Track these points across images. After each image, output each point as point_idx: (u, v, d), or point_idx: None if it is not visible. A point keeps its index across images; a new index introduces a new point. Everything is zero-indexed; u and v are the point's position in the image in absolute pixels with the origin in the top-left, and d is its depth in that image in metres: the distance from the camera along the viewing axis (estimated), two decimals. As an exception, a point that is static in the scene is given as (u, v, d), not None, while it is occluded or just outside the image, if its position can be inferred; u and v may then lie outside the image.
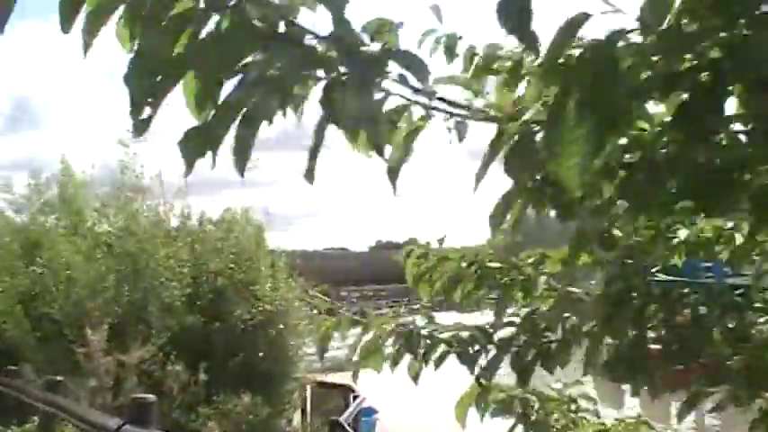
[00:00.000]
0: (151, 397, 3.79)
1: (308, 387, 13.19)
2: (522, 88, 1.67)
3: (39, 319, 10.03)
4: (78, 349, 8.64)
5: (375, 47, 1.25)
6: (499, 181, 1.62)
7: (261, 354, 11.03)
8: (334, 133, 1.24)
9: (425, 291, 2.78)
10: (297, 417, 12.71)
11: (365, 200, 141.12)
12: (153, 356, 9.26)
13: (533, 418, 2.82)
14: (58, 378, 6.29)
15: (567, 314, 2.25)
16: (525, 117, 1.50)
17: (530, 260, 2.54)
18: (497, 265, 2.56)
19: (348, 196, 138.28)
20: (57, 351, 9.29)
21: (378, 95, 1.29)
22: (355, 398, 13.17)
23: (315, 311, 13.24)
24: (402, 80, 1.28)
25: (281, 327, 11.57)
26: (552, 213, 1.77)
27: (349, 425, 12.07)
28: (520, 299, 2.51)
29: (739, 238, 2.09)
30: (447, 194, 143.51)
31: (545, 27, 1.16)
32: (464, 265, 2.60)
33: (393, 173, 1.56)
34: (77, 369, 8.50)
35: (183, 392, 9.35)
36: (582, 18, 1.17)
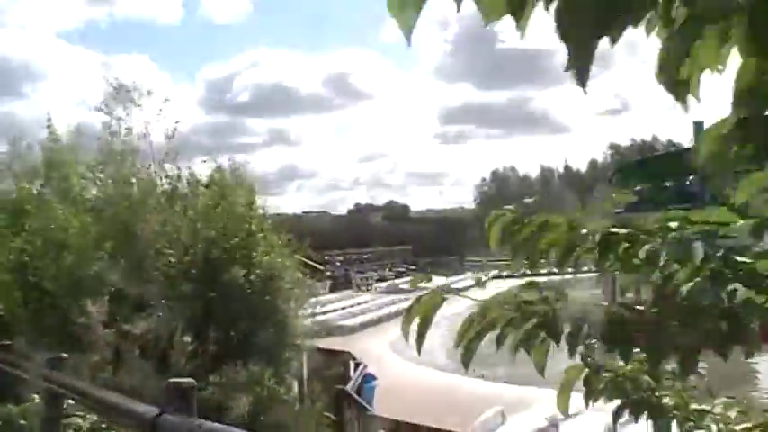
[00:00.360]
0: (189, 381, 3.41)
1: (305, 354, 12.93)
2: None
3: (30, 289, 9.58)
4: (78, 320, 8.22)
5: None
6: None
7: (260, 321, 10.71)
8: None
9: (529, 257, 2.45)
10: (295, 384, 12.47)
11: (342, 162, 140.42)
12: (152, 328, 8.87)
13: (648, 401, 2.51)
14: (63, 355, 5.90)
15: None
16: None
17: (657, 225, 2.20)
18: (622, 230, 2.22)
19: (325, 159, 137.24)
20: (52, 323, 8.87)
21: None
22: (357, 365, 13.01)
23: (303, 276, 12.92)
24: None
25: (278, 292, 11.25)
26: None
27: (357, 392, 11.96)
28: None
29: None
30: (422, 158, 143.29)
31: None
32: (583, 231, 2.26)
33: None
34: (76, 342, 8.10)
35: (188, 363, 8.99)
36: None
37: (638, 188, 35.90)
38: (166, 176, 11.64)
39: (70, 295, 8.92)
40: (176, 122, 11.80)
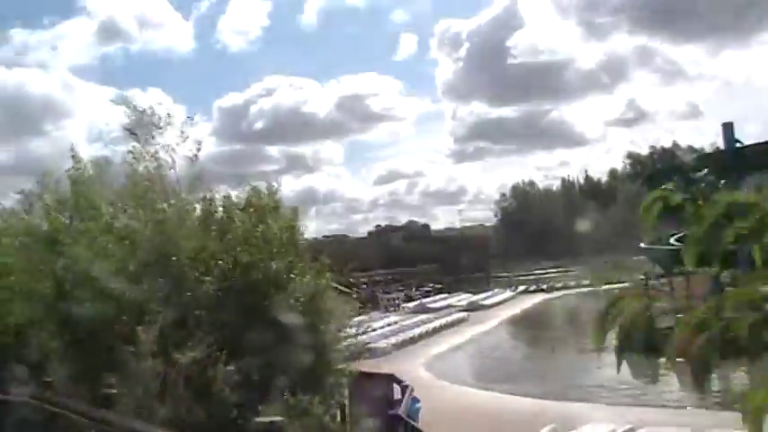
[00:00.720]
0: (278, 420, 2.99)
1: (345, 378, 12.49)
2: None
3: (66, 323, 9.20)
4: (126, 350, 7.81)
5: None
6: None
7: (303, 346, 10.29)
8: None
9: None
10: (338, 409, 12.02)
11: (360, 185, 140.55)
12: (197, 357, 8.46)
13: None
14: (110, 391, 5.51)
15: None
16: None
17: None
18: None
19: (342, 182, 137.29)
20: (96, 355, 8.48)
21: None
22: (404, 388, 12.55)
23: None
24: None
25: (319, 316, 10.86)
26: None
27: (408, 416, 11.51)
28: None
29: None
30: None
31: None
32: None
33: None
34: (122, 373, 7.69)
35: (232, 393, 8.58)
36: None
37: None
38: (201, 200, 11.27)
39: (116, 324, 8.55)
40: (198, 144, 11.43)
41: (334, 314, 11.38)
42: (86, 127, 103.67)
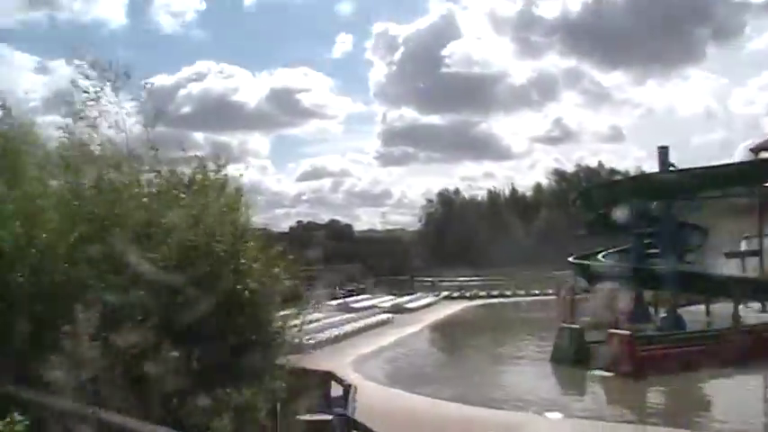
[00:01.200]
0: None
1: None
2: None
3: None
4: (63, 328, 7.00)
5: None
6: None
7: (250, 337, 9.66)
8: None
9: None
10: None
11: (285, 179, 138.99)
12: (140, 341, 7.71)
13: None
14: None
15: None
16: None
17: None
18: None
19: (267, 176, 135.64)
20: (26, 334, 7.62)
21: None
22: (347, 387, 12.01)
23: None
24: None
25: (269, 307, 10.23)
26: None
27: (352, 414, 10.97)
28: None
29: None
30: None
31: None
32: None
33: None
34: (56, 355, 6.89)
35: (175, 381, 7.88)
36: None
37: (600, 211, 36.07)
38: (145, 171, 10.46)
39: (52, 301, 7.72)
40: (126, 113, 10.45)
41: (280, 306, 10.74)
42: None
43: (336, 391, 12.65)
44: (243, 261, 10.05)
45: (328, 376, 12.78)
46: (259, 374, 9.72)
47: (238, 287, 9.75)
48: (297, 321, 11.29)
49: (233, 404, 8.48)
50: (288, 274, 10.90)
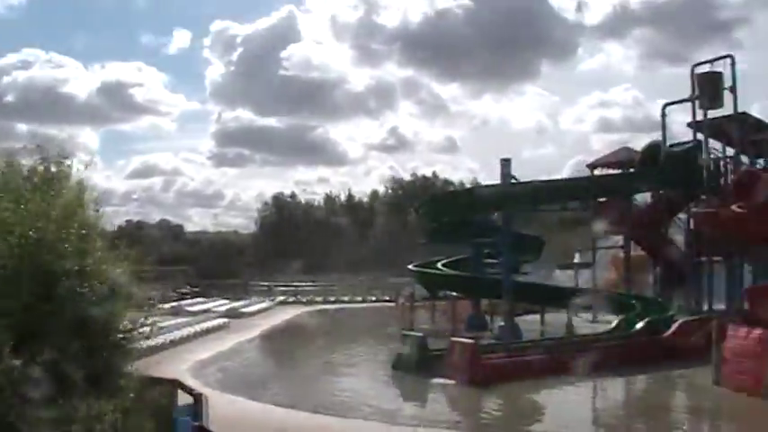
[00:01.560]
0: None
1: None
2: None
3: None
4: None
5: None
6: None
7: (99, 342, 9.01)
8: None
9: None
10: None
11: (114, 177, 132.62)
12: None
13: None
14: None
15: None
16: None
17: None
18: None
19: (95, 172, 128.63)
20: None
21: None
22: (197, 396, 11.47)
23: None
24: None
25: (118, 309, 9.61)
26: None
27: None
28: None
29: None
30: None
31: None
32: None
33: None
34: None
35: (16, 391, 7.18)
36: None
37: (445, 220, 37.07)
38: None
39: None
40: None
41: (129, 309, 10.13)
42: None
43: (183, 400, 12.05)
44: (89, 261, 9.41)
45: (174, 384, 12.15)
46: (106, 382, 9.12)
47: (85, 288, 9.11)
48: (146, 326, 10.73)
49: (79, 415, 7.82)
50: (134, 276, 10.36)
